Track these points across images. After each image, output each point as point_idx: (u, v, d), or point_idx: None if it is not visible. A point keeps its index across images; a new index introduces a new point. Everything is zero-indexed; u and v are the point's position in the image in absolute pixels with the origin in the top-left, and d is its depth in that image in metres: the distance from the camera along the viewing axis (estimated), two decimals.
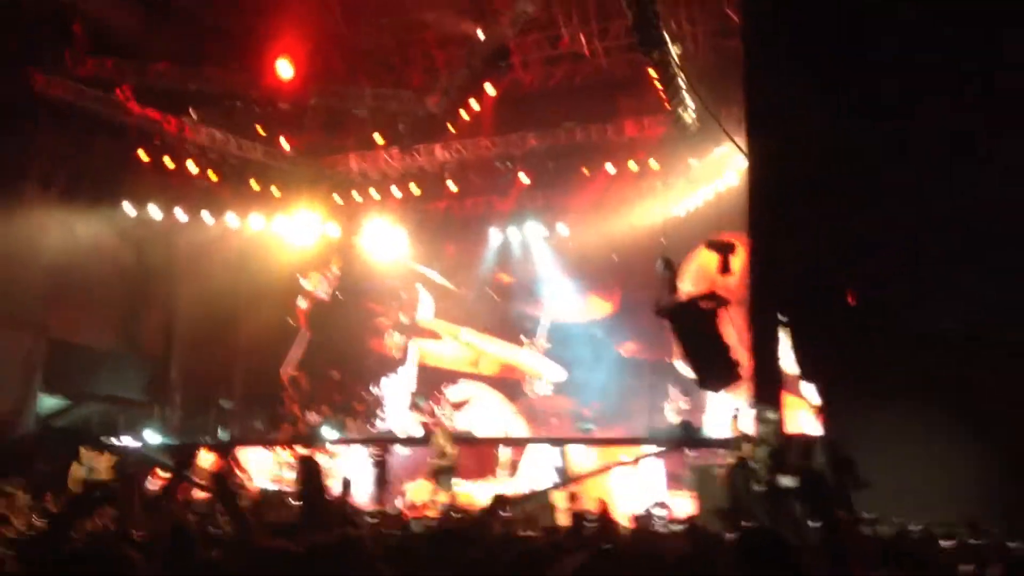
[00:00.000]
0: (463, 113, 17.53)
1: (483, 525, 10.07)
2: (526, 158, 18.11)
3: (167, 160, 17.51)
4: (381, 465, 14.72)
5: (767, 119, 12.93)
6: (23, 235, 15.43)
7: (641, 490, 13.41)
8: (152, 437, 15.78)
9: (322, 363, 18.92)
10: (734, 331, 13.07)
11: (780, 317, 12.48)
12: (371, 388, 18.47)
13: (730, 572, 6.58)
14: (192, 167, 17.73)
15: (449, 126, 17.77)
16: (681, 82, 15.66)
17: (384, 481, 14.68)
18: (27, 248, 15.39)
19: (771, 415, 11.43)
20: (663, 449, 13.75)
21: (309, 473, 10.00)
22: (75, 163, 16.73)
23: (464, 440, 14.66)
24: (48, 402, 15.55)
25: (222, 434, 16.33)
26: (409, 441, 15.35)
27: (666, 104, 16.35)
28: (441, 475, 13.84)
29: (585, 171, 17.95)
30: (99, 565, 5.33)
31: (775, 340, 12.37)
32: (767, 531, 7.20)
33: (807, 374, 12.59)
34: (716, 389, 13.70)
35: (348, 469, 14.36)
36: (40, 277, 15.72)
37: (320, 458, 14.29)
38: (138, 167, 17.42)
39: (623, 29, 17.34)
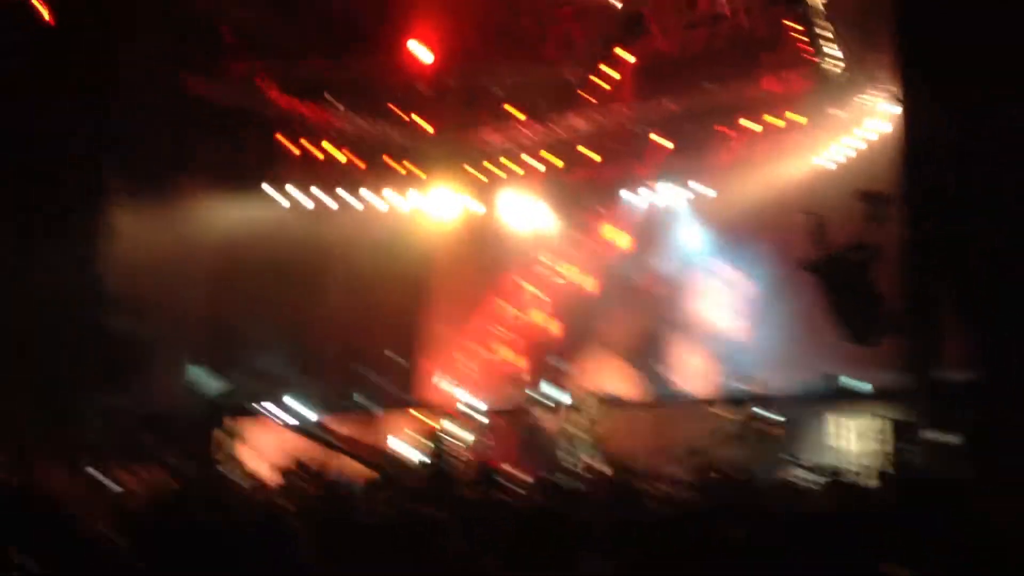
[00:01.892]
0: (601, 83, 17.44)
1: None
2: (665, 122, 17.85)
3: (313, 148, 18.08)
4: (533, 431, 14.77)
5: (921, 60, 12.25)
6: (181, 229, 16.28)
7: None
8: (303, 409, 16.34)
9: None
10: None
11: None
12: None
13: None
14: (337, 154, 18.23)
15: (587, 96, 17.72)
16: (823, 30, 15.16)
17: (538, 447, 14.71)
18: (185, 241, 16.23)
19: None
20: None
21: (438, 441, 10.21)
22: (226, 158, 17.48)
23: (613, 403, 14.57)
24: (207, 380, 16.30)
25: (363, 401, 16.75)
26: (556, 406, 15.33)
27: (809, 56, 15.87)
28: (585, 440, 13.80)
29: (726, 131, 17.53)
30: None
31: (931, 292, 11.72)
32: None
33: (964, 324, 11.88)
34: (869, 344, 13.18)
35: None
36: (198, 266, 16.56)
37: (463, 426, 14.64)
38: (286, 157, 18.09)
39: None
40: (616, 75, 17.34)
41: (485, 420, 15.08)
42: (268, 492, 10.29)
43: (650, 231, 19.19)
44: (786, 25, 15.87)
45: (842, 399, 13.23)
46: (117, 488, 9.48)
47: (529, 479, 11.58)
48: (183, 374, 15.62)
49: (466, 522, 7.40)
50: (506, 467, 13.74)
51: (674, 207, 19.05)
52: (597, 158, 18.67)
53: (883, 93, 15.60)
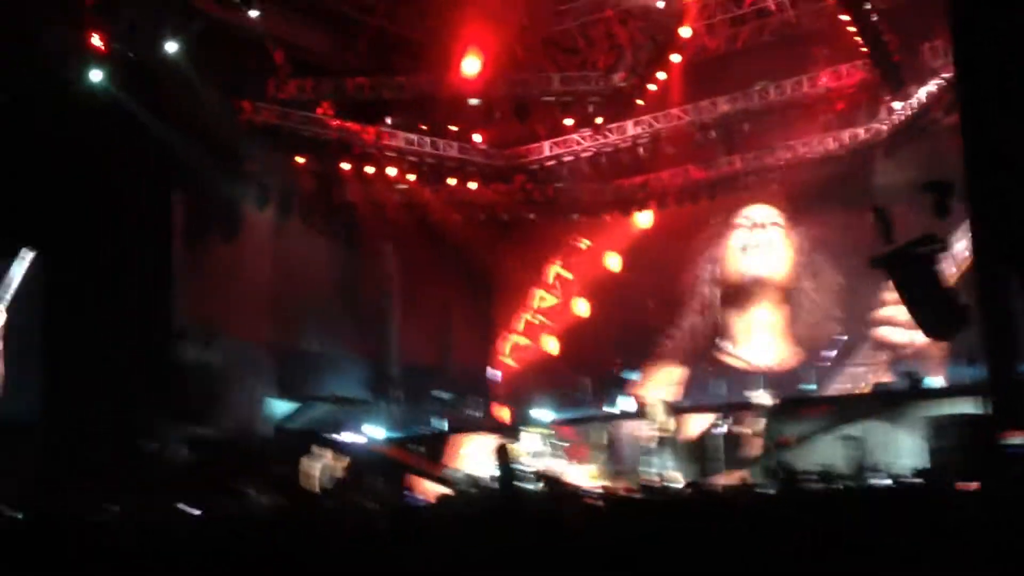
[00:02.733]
0: (651, 86, 17.39)
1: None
2: (719, 123, 17.74)
3: (368, 168, 18.23)
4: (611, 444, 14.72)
5: (977, 49, 12.04)
6: (245, 254, 16.51)
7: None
8: (375, 432, 16.46)
9: None
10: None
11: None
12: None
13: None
14: (392, 172, 18.39)
15: (638, 101, 17.69)
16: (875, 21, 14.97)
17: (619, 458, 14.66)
18: (250, 265, 16.45)
19: None
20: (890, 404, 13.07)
21: (505, 458, 10.22)
22: (285, 181, 17.70)
23: (682, 410, 14.46)
24: (279, 406, 16.51)
25: (437, 424, 16.82)
26: (624, 416, 15.27)
27: (862, 48, 15.68)
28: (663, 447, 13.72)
29: (782, 128, 17.42)
30: None
31: (1003, 284, 11.49)
32: None
33: None
34: (943, 337, 12.96)
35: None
36: (264, 291, 16.77)
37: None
38: (343, 178, 18.26)
39: None
40: (666, 77, 17.30)
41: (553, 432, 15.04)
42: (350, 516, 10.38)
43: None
44: (837, 18, 15.65)
45: (925, 396, 12.99)
46: (206, 517, 9.62)
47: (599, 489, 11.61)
48: (258, 403, 15.80)
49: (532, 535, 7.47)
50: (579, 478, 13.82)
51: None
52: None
53: (942, 83, 15.35)
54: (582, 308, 20.21)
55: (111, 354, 13.99)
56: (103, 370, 13.82)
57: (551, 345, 20.26)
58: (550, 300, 20.48)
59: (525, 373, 19.03)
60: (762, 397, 14.17)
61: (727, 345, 18.51)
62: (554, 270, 20.46)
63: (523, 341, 20.38)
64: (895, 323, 15.80)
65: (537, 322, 20.43)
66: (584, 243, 20.28)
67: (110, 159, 14.78)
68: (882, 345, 16.50)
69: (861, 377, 16.25)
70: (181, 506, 9.79)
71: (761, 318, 18.42)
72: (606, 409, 15.79)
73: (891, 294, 13.69)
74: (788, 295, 18.22)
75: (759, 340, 18.37)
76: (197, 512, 9.93)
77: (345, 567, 7.61)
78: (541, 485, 11.45)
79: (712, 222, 19.07)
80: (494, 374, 19.78)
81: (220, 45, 16.01)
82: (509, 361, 20.35)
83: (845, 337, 16.83)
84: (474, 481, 13.30)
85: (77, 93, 14.48)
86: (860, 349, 16.72)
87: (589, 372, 17.59)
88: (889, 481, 10.30)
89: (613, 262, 20.09)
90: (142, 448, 12.87)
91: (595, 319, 19.91)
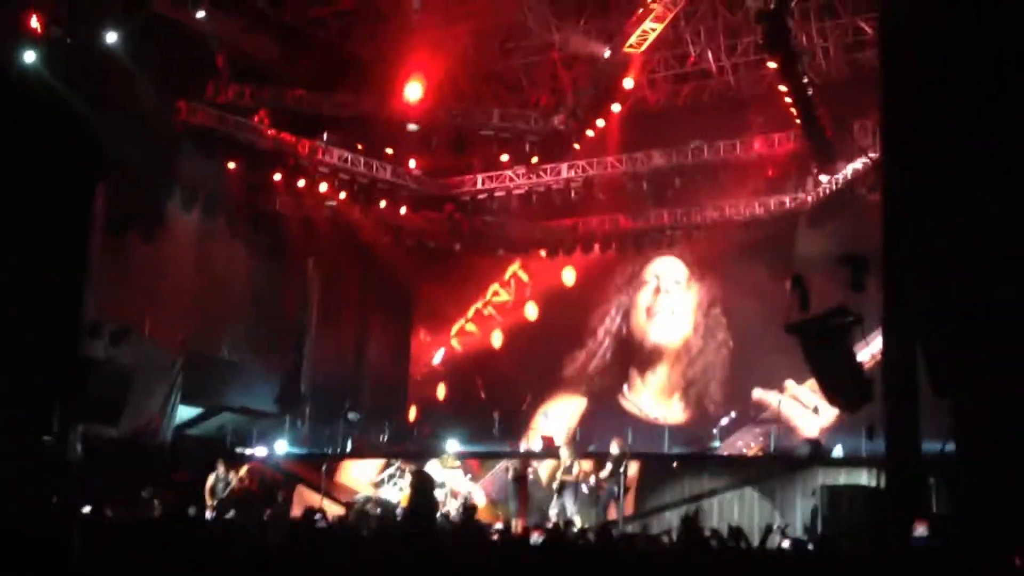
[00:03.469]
0: (589, 132, 17.62)
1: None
2: (652, 176, 18.05)
3: (300, 181, 18.10)
4: (521, 480, 14.71)
5: (905, 131, 12.46)
6: (166, 255, 16.21)
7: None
8: (282, 447, 16.24)
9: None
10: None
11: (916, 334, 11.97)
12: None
13: None
14: (323, 187, 18.29)
15: (575, 145, 17.90)
16: (810, 95, 15.40)
17: (524, 497, 14.64)
18: (170, 267, 16.15)
19: None
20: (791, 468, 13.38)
21: (421, 485, 10.17)
22: (214, 186, 17.46)
23: (590, 455, 14.55)
24: (185, 412, 16.19)
25: (343, 444, 16.67)
26: (533, 455, 15.32)
27: (796, 119, 16.12)
28: (565, 491, 13.78)
29: (711, 188, 17.80)
30: None
31: (911, 358, 11.85)
32: None
33: (943, 392, 12.02)
34: (848, 409, 13.25)
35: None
36: (181, 294, 16.47)
37: (444, 472, 14.56)
38: (273, 188, 18.10)
39: (751, 46, 17.22)
40: (604, 125, 17.56)
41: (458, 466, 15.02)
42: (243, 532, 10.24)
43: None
44: (774, 88, 16.08)
45: (823, 463, 13.32)
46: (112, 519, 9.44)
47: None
48: (171, 407, 15.47)
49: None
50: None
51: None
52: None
53: (868, 159, 15.84)
54: (531, 313, 20.33)
55: (15, 343, 13.56)
56: (6, 359, 13.37)
57: (496, 339, 20.31)
58: (503, 296, 20.50)
59: (439, 404, 18.94)
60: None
61: (627, 392, 18.79)
62: (512, 269, 20.49)
63: (471, 328, 20.40)
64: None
65: (487, 313, 20.46)
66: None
67: (35, 143, 14.38)
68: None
69: (753, 438, 16.62)
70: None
71: (658, 375, 18.81)
72: (514, 447, 15.84)
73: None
74: (684, 356, 18.61)
75: (654, 394, 18.76)
76: (86, 511, 9.74)
77: None
78: (458, 512, 11.41)
79: (629, 271, 19.43)
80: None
81: (163, 41, 15.82)
82: (455, 344, 20.34)
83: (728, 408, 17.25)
84: (377, 505, 13.22)
85: (7, 73, 14.09)
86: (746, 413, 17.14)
87: (499, 406, 17.64)
88: (787, 543, 10.52)
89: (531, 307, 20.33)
90: (38, 442, 12.47)
91: (508, 353, 20.01)
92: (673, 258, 19.07)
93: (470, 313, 20.39)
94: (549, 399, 18.91)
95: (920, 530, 9.56)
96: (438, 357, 20.43)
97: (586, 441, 15.85)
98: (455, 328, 20.47)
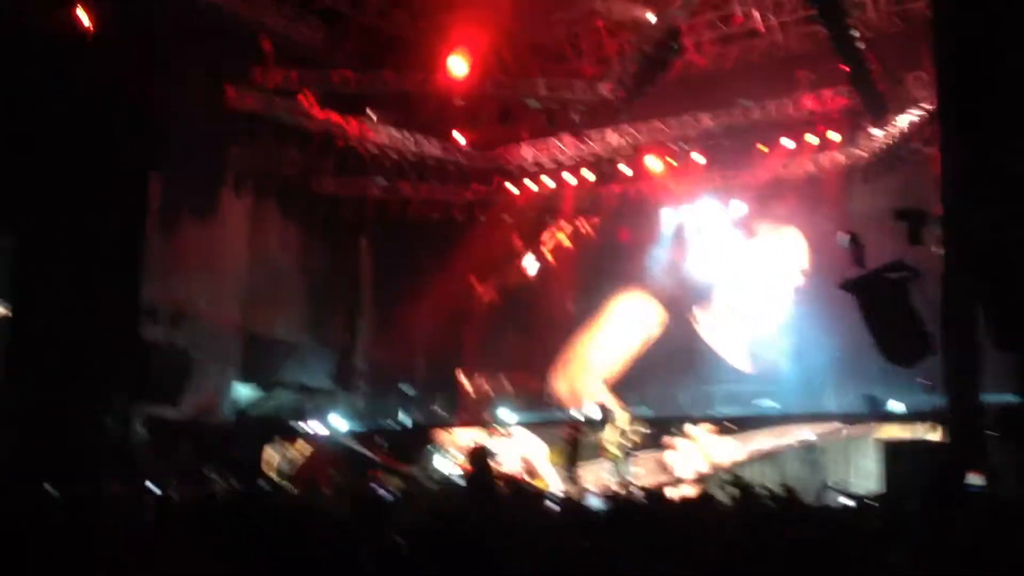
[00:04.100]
0: (635, 98, 17.45)
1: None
2: (701, 138, 17.85)
3: (349, 161, 18.23)
4: (573, 444, 14.72)
5: (960, 82, 12.16)
6: (220, 238, 16.46)
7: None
8: (339, 423, 16.44)
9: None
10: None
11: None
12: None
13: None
14: (372, 166, 18.41)
15: (622, 112, 17.76)
16: (860, 49, 15.09)
17: (575, 461, 14.67)
18: (224, 250, 16.39)
19: None
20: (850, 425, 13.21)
21: (479, 460, 10.21)
22: (265, 169, 17.65)
23: (648, 420, 14.51)
24: (243, 392, 16.44)
25: (404, 418, 16.81)
26: (589, 422, 15.32)
27: (846, 75, 15.82)
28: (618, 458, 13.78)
29: (763, 148, 17.51)
30: None
31: (970, 313, 11.61)
32: None
33: (1004, 346, 11.76)
34: (906, 365, 13.05)
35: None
36: (235, 276, 16.71)
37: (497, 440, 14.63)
38: (323, 169, 18.25)
39: (797, 2, 16.90)
40: (652, 91, 17.36)
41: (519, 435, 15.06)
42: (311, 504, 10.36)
43: (687, 247, 19.07)
44: (823, 44, 15.78)
45: (884, 420, 13.12)
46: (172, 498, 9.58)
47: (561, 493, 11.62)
48: (225, 387, 15.74)
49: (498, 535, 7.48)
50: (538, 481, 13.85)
51: (708, 224, 18.90)
52: (629, 172, 18.65)
53: (921, 112, 15.53)
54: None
55: (77, 330, 13.87)
56: (68, 345, 13.69)
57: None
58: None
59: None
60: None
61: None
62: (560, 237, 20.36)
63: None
64: None
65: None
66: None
67: (87, 133, 14.65)
68: None
69: None
70: (148, 485, 9.75)
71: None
72: (571, 414, 15.86)
73: None
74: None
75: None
76: (158, 493, 9.90)
77: (306, 556, 7.64)
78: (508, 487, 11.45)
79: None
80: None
81: (209, 28, 15.95)
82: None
83: None
84: (441, 479, 13.33)
85: (60, 63, 14.33)
86: None
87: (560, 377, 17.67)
88: (850, 502, 10.37)
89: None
90: (103, 425, 12.76)
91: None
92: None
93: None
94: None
95: (976, 481, 9.33)
96: None
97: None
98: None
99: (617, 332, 19.03)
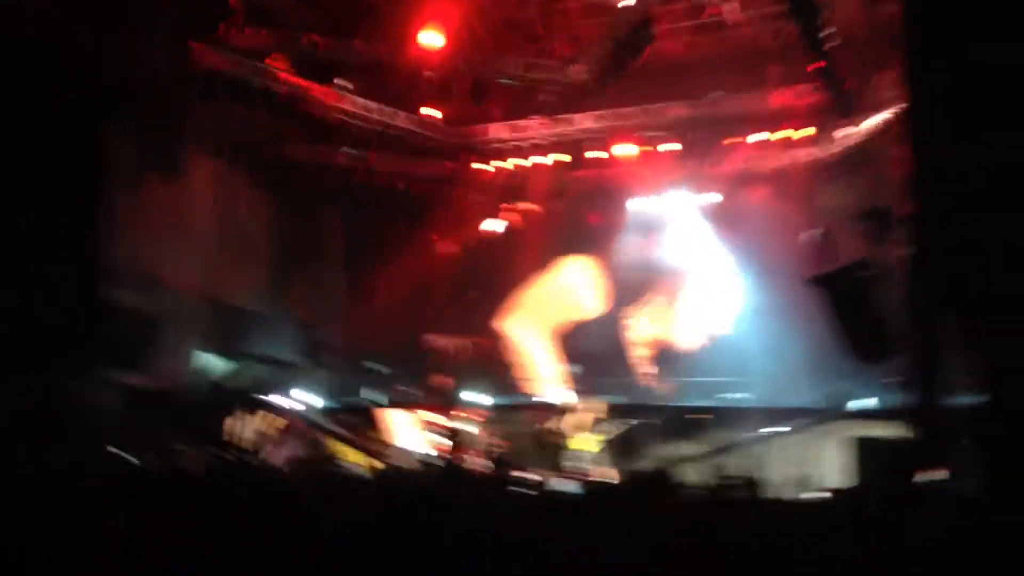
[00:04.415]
0: (607, 82, 17.49)
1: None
2: (671, 127, 17.96)
3: (317, 127, 17.96)
4: (544, 430, 14.77)
5: (927, 84, 12.39)
6: (182, 203, 16.07)
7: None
8: (308, 398, 16.29)
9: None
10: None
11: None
12: None
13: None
14: (340, 134, 18.18)
15: (594, 95, 17.79)
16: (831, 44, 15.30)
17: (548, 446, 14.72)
18: (190, 213, 16.02)
19: None
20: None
21: (456, 439, 10.25)
22: (229, 131, 17.28)
23: (619, 409, 14.65)
24: (211, 361, 16.15)
25: (372, 396, 16.72)
26: (558, 408, 15.40)
27: (816, 69, 16.02)
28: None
29: (734, 140, 17.69)
30: None
31: (935, 312, 11.89)
32: None
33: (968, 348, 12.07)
34: (871, 362, 13.34)
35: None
36: (202, 241, 16.34)
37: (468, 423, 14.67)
38: (289, 135, 17.95)
39: None
40: (622, 76, 17.42)
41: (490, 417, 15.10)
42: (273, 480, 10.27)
43: (656, 236, 19.19)
44: (794, 40, 15.97)
45: (847, 417, 13.41)
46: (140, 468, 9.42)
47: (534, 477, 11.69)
48: (191, 356, 15.44)
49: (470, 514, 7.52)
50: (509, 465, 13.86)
51: (681, 214, 19.08)
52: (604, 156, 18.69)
53: (891, 112, 15.79)
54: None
55: (34, 293, 13.47)
56: (25, 309, 13.29)
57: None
58: None
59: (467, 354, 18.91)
60: None
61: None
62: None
63: None
64: None
65: None
66: None
67: (35, 86, 14.15)
68: None
69: None
70: (116, 453, 9.57)
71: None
72: (541, 399, 15.94)
73: None
74: None
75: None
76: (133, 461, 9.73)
77: (273, 530, 7.59)
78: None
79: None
80: None
81: None
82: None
83: None
84: (411, 458, 13.30)
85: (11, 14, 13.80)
86: None
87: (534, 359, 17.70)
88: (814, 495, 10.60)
89: None
90: (68, 391, 12.45)
91: None
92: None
93: None
94: None
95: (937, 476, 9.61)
96: None
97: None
98: None
99: (581, 317, 19.11)
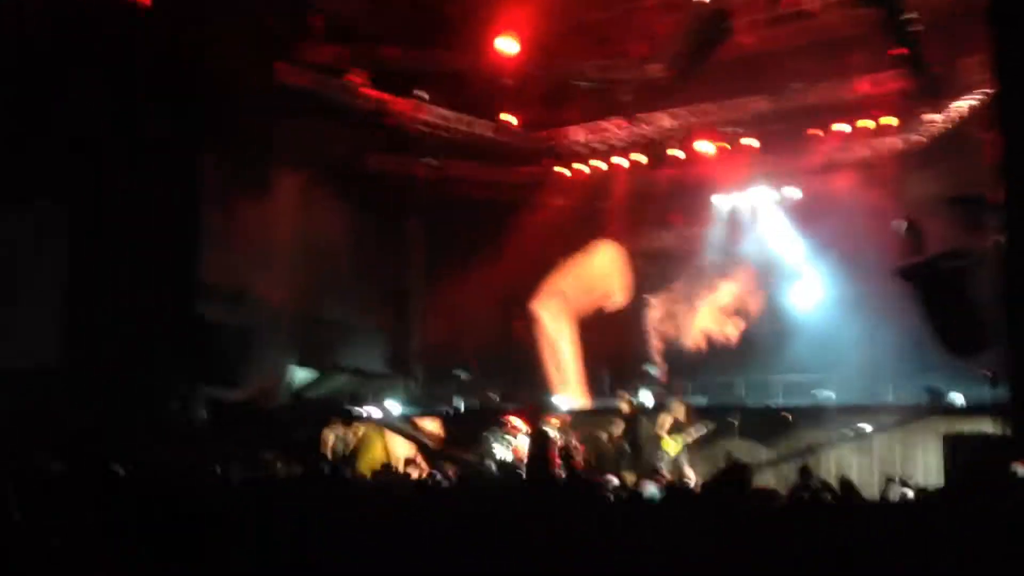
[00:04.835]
0: (685, 80, 17.33)
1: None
2: (752, 121, 17.73)
3: (400, 140, 18.22)
4: (630, 432, 14.73)
5: (1017, 66, 12.00)
6: (273, 217, 16.50)
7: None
8: (394, 407, 16.53)
9: None
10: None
11: None
12: None
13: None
14: (423, 145, 18.44)
15: (673, 93, 17.65)
16: (915, 32, 14.93)
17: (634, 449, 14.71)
18: (278, 229, 16.43)
19: None
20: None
21: (540, 446, 10.26)
22: (316, 147, 17.65)
23: (701, 411, 14.53)
24: (299, 374, 16.53)
25: (460, 403, 16.88)
26: (643, 409, 15.32)
27: (900, 57, 15.64)
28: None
29: (816, 132, 17.38)
30: None
31: None
32: None
33: None
34: (963, 355, 12.94)
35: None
36: (289, 256, 16.76)
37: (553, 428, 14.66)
38: (374, 148, 18.24)
39: None
40: (702, 72, 17.23)
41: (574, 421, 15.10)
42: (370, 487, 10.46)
43: (738, 233, 19.00)
44: (876, 26, 15.61)
45: (945, 412, 13.07)
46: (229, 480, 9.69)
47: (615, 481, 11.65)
48: (282, 369, 15.83)
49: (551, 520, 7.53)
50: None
51: (764, 209, 18.87)
52: (682, 156, 18.56)
53: (979, 97, 15.36)
54: None
55: (134, 309, 13.97)
56: (126, 325, 13.80)
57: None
58: None
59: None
60: None
61: None
62: None
63: None
64: None
65: None
66: None
67: (141, 111, 14.69)
68: None
69: None
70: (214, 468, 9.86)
71: None
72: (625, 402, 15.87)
73: None
74: None
75: None
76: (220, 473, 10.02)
77: (369, 538, 7.71)
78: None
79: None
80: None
81: (258, 4, 15.94)
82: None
83: None
84: (497, 464, 13.39)
85: (107, 45, 14.32)
86: None
87: (608, 363, 17.66)
88: (909, 493, 10.36)
89: None
90: (164, 406, 12.89)
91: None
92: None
93: None
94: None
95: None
96: None
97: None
98: None
99: (670, 319, 19.02)
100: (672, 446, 13.97)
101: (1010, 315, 11.46)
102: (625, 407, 14.86)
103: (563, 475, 11.55)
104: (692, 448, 14.12)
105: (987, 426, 11.70)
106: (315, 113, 17.42)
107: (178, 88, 15.01)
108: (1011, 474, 9.99)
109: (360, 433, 14.37)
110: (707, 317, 18.64)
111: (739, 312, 18.41)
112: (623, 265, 19.24)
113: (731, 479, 8.30)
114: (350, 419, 14.58)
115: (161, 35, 14.76)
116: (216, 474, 10.23)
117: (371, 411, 15.93)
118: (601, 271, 19.18)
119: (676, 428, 14.10)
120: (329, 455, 13.96)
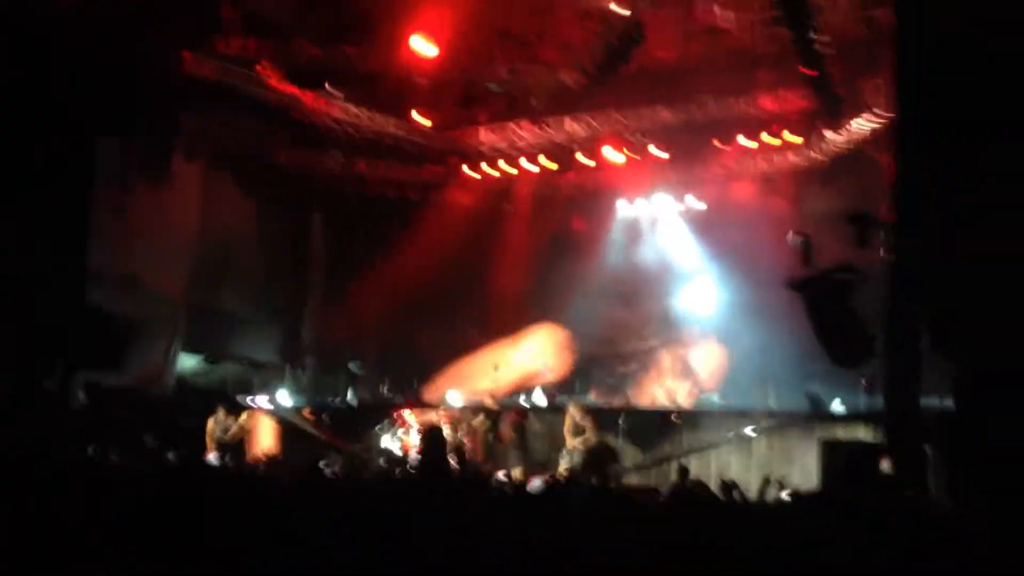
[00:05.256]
0: (597, 87, 17.48)
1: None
2: (659, 131, 17.93)
3: (305, 134, 18.06)
4: (520, 430, 14.76)
5: (918, 88, 12.31)
6: (168, 207, 16.23)
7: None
8: (283, 397, 16.36)
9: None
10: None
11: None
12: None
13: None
14: (328, 140, 18.28)
15: (583, 100, 17.79)
16: (822, 52, 15.24)
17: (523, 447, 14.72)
18: (175, 218, 16.17)
19: None
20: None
21: (432, 442, 10.21)
22: (218, 137, 17.42)
23: (597, 411, 14.61)
24: (188, 362, 16.28)
25: (351, 396, 16.78)
26: (538, 411, 15.38)
27: (806, 77, 15.96)
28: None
29: (719, 144, 17.63)
30: None
31: (913, 314, 11.82)
32: None
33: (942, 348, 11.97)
34: (848, 365, 13.26)
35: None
36: (183, 247, 16.51)
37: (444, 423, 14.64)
38: (278, 142, 18.05)
39: (762, 1, 16.98)
40: (612, 81, 17.40)
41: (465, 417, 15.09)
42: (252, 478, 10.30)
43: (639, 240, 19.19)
44: (785, 45, 15.91)
45: (824, 418, 13.35)
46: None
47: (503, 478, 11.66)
48: (173, 357, 15.57)
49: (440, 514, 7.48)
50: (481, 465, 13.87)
51: (665, 216, 19.04)
52: (591, 163, 18.69)
53: (877, 119, 15.73)
54: None
55: (20, 290, 13.62)
56: (9, 305, 13.44)
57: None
58: None
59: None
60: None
61: None
62: None
63: None
64: None
65: None
66: None
67: (40, 90, 14.33)
68: None
69: None
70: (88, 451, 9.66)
71: None
72: (521, 402, 15.94)
73: None
74: None
75: None
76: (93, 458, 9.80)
77: (249, 527, 7.58)
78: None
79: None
80: None
81: None
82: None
83: None
84: (386, 458, 13.33)
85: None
86: None
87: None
88: (784, 495, 10.51)
89: None
90: (41, 389, 12.57)
91: None
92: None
93: None
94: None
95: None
96: None
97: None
98: None
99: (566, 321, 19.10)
100: (573, 445, 14.04)
101: (890, 328, 11.77)
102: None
103: (455, 469, 11.56)
104: (589, 448, 14.18)
105: (862, 432, 11.96)
106: (223, 104, 17.20)
107: (82, 69, 14.69)
108: (882, 477, 10.26)
109: (243, 421, 14.18)
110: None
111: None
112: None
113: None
114: (236, 408, 14.40)
115: (68, 14, 14.45)
116: (87, 455, 10.01)
117: (259, 400, 15.77)
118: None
119: (576, 429, 14.17)
120: (210, 443, 13.76)
